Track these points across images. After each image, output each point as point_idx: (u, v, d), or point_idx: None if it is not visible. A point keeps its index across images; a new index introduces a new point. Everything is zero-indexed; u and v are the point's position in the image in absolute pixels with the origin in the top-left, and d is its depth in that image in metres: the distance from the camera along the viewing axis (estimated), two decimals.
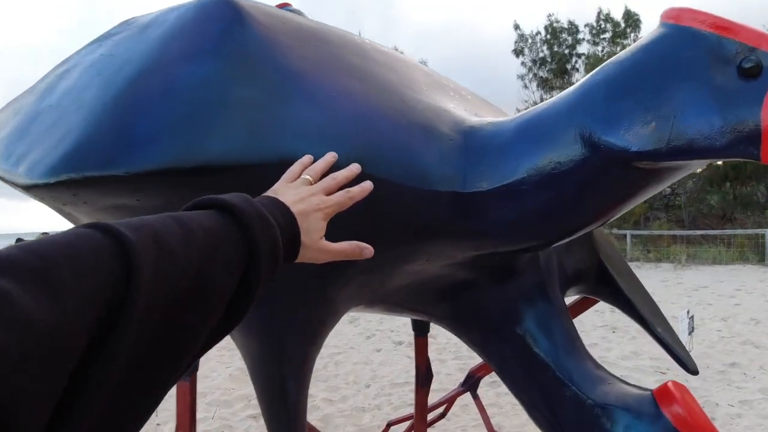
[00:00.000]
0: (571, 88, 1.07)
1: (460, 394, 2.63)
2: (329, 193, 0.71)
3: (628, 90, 0.96)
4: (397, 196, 1.02)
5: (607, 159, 0.95)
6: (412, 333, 2.44)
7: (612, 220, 1.12)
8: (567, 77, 20.54)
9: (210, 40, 1.00)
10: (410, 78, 1.21)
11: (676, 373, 4.76)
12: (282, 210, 0.64)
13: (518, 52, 21.52)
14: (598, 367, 1.39)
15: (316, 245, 0.67)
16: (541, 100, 21.37)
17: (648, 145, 0.91)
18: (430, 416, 2.74)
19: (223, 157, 0.91)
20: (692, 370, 1.79)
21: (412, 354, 5.48)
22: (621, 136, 0.94)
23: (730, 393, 4.29)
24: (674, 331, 1.93)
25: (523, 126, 1.07)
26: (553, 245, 1.15)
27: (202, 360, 5.20)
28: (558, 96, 1.09)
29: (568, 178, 0.99)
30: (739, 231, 13.11)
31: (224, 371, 4.97)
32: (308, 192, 0.68)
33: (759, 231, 12.91)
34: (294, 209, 0.65)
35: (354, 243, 0.72)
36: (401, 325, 6.67)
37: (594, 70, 1.06)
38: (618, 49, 18.57)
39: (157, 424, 3.70)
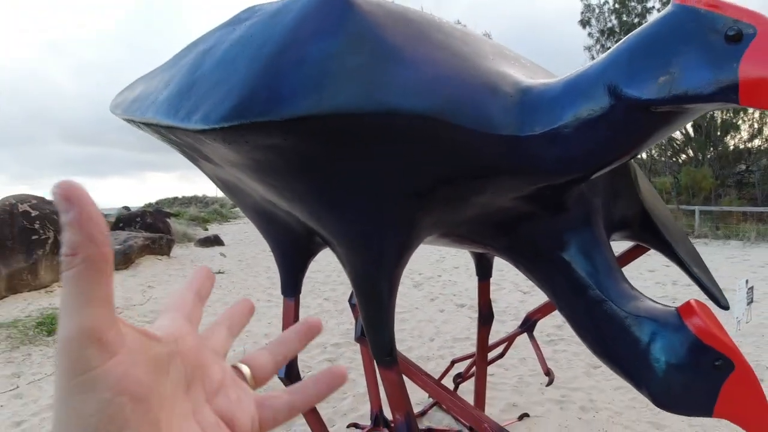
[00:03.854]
0: (604, 54, 1.36)
1: (518, 335, 2.94)
2: None
3: (645, 54, 1.24)
4: (470, 139, 1.34)
5: (628, 105, 1.24)
6: (474, 298, 2.77)
7: (638, 153, 1.39)
8: None
9: (330, 24, 1.35)
10: (480, 49, 1.52)
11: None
12: None
13: (585, 23, 20.81)
14: (633, 288, 1.68)
15: None
16: None
17: (656, 93, 1.20)
18: (490, 356, 3.08)
19: (345, 108, 1.25)
20: (723, 305, 2.04)
21: (474, 315, 5.83)
22: (637, 87, 1.23)
23: None
24: (710, 273, 2.17)
25: (567, 84, 1.36)
26: (594, 176, 1.44)
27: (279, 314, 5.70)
28: (595, 60, 1.38)
29: (601, 122, 1.29)
30: None
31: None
32: None
33: None
34: None
35: None
36: (463, 290, 6.99)
37: (622, 39, 1.35)
38: None
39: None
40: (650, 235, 2.10)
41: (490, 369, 4.05)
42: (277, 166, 1.44)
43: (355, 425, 3.12)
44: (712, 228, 12.67)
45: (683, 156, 18.04)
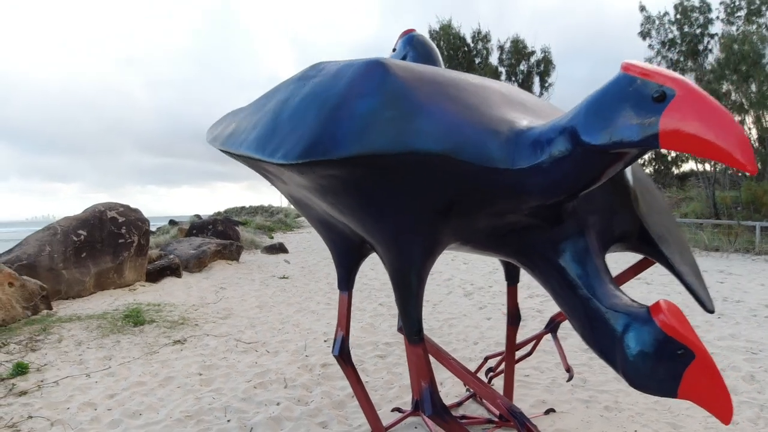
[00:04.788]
0: (572, 108, 1.75)
1: (544, 335, 3.31)
2: None
3: (597, 109, 1.63)
4: (474, 171, 1.77)
5: (584, 149, 1.64)
6: (522, 308, 3.14)
7: (603, 181, 1.76)
8: (699, 59, 19.27)
9: (372, 88, 1.82)
10: (488, 99, 1.95)
11: (766, 354, 5.01)
12: None
13: (645, 35, 20.36)
14: (617, 289, 2.04)
15: None
16: None
17: (602, 140, 1.59)
18: (521, 354, 3.45)
19: (382, 149, 1.71)
20: (709, 309, 2.35)
21: (520, 324, 6.14)
22: (590, 135, 1.61)
23: None
24: (703, 282, 2.49)
25: (545, 130, 1.76)
26: (573, 198, 1.83)
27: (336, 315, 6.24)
28: (565, 113, 1.77)
29: (567, 160, 1.68)
30: None
31: (357, 325, 5.94)
32: None
33: None
34: None
35: None
36: None
37: (584, 97, 1.74)
38: (753, 28, 17.19)
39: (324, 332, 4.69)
40: (647, 246, 2.44)
41: (525, 370, 4.42)
42: (336, 188, 1.93)
43: (398, 409, 3.56)
44: None
45: None
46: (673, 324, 1.80)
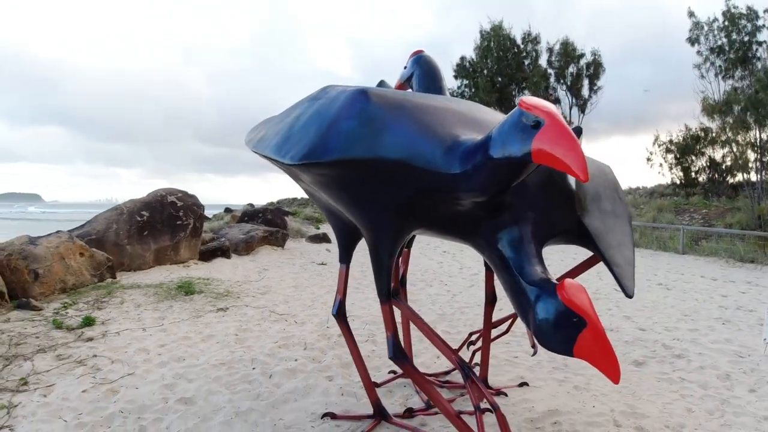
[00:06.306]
0: (491, 130, 2.35)
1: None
2: None
3: (500, 132, 2.19)
4: (426, 175, 2.37)
5: (492, 161, 2.22)
6: None
7: (514, 183, 2.34)
8: (748, 66, 18.93)
9: (355, 111, 2.47)
10: (443, 119, 2.54)
11: (753, 358, 5.34)
12: None
13: (693, 41, 20.21)
14: (543, 272, 2.60)
15: None
16: (720, 90, 19.85)
17: (498, 154, 2.15)
18: (499, 332, 4.06)
19: (358, 156, 2.34)
20: (628, 295, 2.88)
21: None
22: (494, 151, 2.18)
23: None
24: (632, 273, 3.00)
25: (473, 144, 2.33)
26: (500, 195, 2.41)
27: (362, 298, 6.89)
28: (487, 133, 2.36)
29: (483, 168, 2.25)
30: None
31: (376, 305, 6.62)
32: None
33: None
34: None
35: None
36: None
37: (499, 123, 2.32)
38: None
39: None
40: (586, 240, 2.98)
41: (516, 352, 4.99)
42: (329, 184, 2.61)
43: (393, 372, 4.23)
44: None
45: None
46: (571, 298, 2.35)
